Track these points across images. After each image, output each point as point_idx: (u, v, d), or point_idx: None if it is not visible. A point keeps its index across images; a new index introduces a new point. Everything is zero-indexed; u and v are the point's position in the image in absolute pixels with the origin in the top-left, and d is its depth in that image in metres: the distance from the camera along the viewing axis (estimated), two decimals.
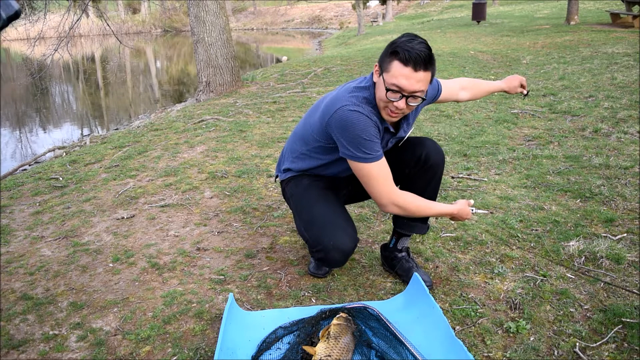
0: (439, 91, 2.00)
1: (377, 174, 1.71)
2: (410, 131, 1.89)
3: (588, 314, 1.74)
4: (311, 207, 1.90)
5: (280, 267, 2.16)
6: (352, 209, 2.68)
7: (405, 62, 1.52)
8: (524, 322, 1.70)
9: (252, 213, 2.73)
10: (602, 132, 3.79)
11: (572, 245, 2.17)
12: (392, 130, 1.77)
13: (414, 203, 1.77)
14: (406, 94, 1.56)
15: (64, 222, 2.73)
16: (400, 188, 1.94)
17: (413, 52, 1.51)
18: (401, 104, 1.57)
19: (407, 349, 1.51)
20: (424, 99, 1.61)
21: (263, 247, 2.35)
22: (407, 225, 1.98)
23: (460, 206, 1.82)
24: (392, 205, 1.74)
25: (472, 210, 1.89)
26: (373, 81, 1.69)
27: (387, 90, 1.56)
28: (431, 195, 1.94)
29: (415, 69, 1.52)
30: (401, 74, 1.53)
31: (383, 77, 1.58)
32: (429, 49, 1.55)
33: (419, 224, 1.98)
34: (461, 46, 10.29)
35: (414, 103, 1.59)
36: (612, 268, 2.01)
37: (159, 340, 1.70)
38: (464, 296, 1.88)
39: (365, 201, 2.52)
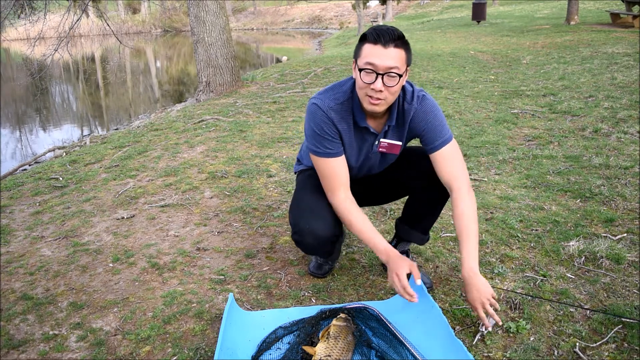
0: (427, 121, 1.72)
1: (322, 169, 1.74)
2: (401, 147, 1.80)
3: (588, 314, 1.74)
4: (302, 193, 1.91)
5: (280, 267, 2.16)
6: None
7: (374, 41, 1.53)
8: (524, 322, 1.70)
9: (252, 213, 2.73)
10: (602, 132, 3.79)
11: (572, 245, 2.17)
12: (372, 130, 1.73)
13: (348, 217, 1.71)
14: (380, 72, 1.53)
15: (64, 222, 2.73)
16: (406, 201, 1.96)
17: (381, 30, 1.53)
18: (378, 84, 1.54)
19: (407, 349, 1.52)
20: (400, 75, 1.56)
21: (263, 247, 2.35)
22: (407, 232, 1.98)
23: (395, 259, 1.61)
24: (334, 207, 1.75)
25: (421, 286, 1.68)
26: (353, 83, 1.69)
27: (361, 70, 1.56)
28: (431, 214, 1.92)
29: (385, 46, 1.52)
30: (371, 53, 1.53)
31: (357, 64, 1.59)
32: (400, 32, 1.55)
33: (418, 233, 1.98)
34: (461, 46, 10.29)
35: (391, 83, 1.55)
36: (612, 268, 2.01)
37: (159, 340, 1.70)
38: (464, 296, 1.88)
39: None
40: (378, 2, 29.09)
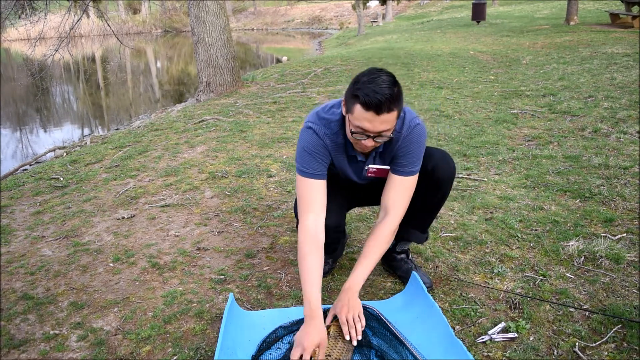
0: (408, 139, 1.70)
1: (303, 190, 1.69)
2: (385, 167, 1.79)
3: (588, 314, 1.75)
4: None
5: (281, 267, 2.16)
6: (352, 209, 2.68)
7: (367, 107, 1.46)
8: (523, 322, 1.70)
9: (252, 213, 2.73)
10: (602, 132, 3.80)
11: (572, 245, 2.17)
12: (360, 158, 1.73)
13: (305, 247, 1.61)
14: (372, 135, 1.53)
15: (64, 222, 2.73)
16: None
17: (374, 97, 1.43)
18: (369, 142, 1.55)
19: (407, 349, 1.52)
20: (391, 137, 1.56)
21: (263, 247, 2.35)
22: (406, 231, 1.99)
23: (312, 325, 1.47)
24: (300, 228, 1.67)
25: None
26: (342, 114, 1.66)
27: (353, 132, 1.54)
28: (430, 213, 1.92)
29: (378, 113, 1.46)
30: (364, 118, 1.48)
31: (348, 117, 1.56)
32: (393, 85, 1.46)
33: (417, 232, 1.98)
34: (461, 46, 10.29)
35: (382, 140, 1.56)
36: (611, 268, 2.01)
37: (160, 340, 1.70)
38: (463, 296, 1.88)
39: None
40: (378, 2, 29.09)
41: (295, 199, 1.92)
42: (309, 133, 1.69)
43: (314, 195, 1.68)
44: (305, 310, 1.51)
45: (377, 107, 1.45)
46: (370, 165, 1.77)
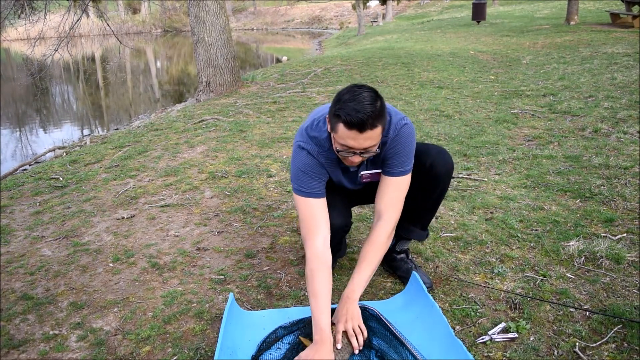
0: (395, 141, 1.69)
1: (304, 210, 1.68)
2: (377, 171, 1.78)
3: (588, 314, 1.74)
4: None
5: (281, 267, 2.16)
6: (352, 209, 2.68)
7: (349, 127, 1.46)
8: (523, 322, 1.70)
9: (252, 213, 2.73)
10: (602, 132, 3.79)
11: (572, 245, 2.17)
12: (352, 169, 1.74)
13: (314, 271, 1.59)
14: (357, 152, 1.53)
15: (64, 222, 2.73)
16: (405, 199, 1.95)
17: (356, 115, 1.42)
18: (356, 158, 1.56)
19: (407, 349, 1.52)
20: (377, 152, 1.56)
21: (263, 247, 2.35)
22: (406, 229, 1.98)
23: (323, 348, 1.46)
24: (308, 251, 1.64)
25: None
26: (328, 131, 1.65)
27: (339, 151, 1.55)
28: (430, 209, 1.92)
29: (361, 131, 1.46)
30: (348, 137, 1.48)
31: (333, 136, 1.55)
32: (374, 101, 1.45)
33: (417, 229, 1.98)
34: (461, 46, 10.29)
35: (368, 155, 1.56)
36: (612, 268, 2.01)
37: (159, 340, 1.70)
38: (464, 296, 1.88)
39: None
40: (378, 2, 29.09)
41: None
42: (302, 154, 1.68)
43: (317, 214, 1.67)
44: (316, 335, 1.49)
45: (359, 125, 1.44)
46: (363, 172, 1.77)
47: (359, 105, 1.44)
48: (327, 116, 1.60)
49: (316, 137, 1.68)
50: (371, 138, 1.49)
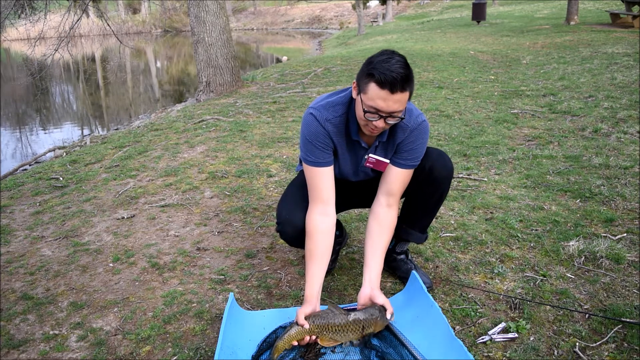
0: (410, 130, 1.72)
1: (310, 178, 1.73)
2: (388, 164, 1.78)
3: (588, 314, 1.74)
4: (290, 187, 1.95)
5: (280, 267, 2.16)
6: (352, 209, 2.67)
7: (381, 85, 1.48)
8: (524, 322, 1.70)
9: (252, 213, 2.73)
10: (602, 132, 3.79)
11: (572, 245, 2.17)
12: (363, 144, 1.74)
13: (313, 235, 1.69)
14: (384, 115, 1.54)
15: (64, 222, 2.73)
16: (404, 201, 1.96)
17: (389, 74, 1.46)
18: (380, 123, 1.56)
19: (407, 349, 1.52)
20: (402, 118, 1.58)
21: (263, 247, 2.35)
22: (405, 231, 1.98)
23: (309, 307, 1.60)
24: (308, 217, 1.72)
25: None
26: (352, 97, 1.67)
27: (365, 112, 1.55)
28: (429, 213, 1.92)
29: (392, 91, 1.48)
30: (378, 97, 1.50)
31: (361, 98, 1.56)
32: (406, 67, 1.50)
33: (416, 232, 1.98)
34: (461, 46, 10.29)
35: (393, 122, 1.57)
36: (612, 268, 2.01)
37: (159, 340, 1.70)
38: (464, 296, 1.88)
39: None
40: (378, 2, 29.09)
41: (280, 197, 1.95)
42: (309, 119, 1.70)
43: (322, 181, 1.71)
44: (306, 301, 1.62)
45: (391, 85, 1.47)
46: (371, 155, 1.76)
47: (392, 66, 1.47)
48: (354, 81, 1.62)
49: (330, 101, 1.69)
50: (400, 102, 1.51)
